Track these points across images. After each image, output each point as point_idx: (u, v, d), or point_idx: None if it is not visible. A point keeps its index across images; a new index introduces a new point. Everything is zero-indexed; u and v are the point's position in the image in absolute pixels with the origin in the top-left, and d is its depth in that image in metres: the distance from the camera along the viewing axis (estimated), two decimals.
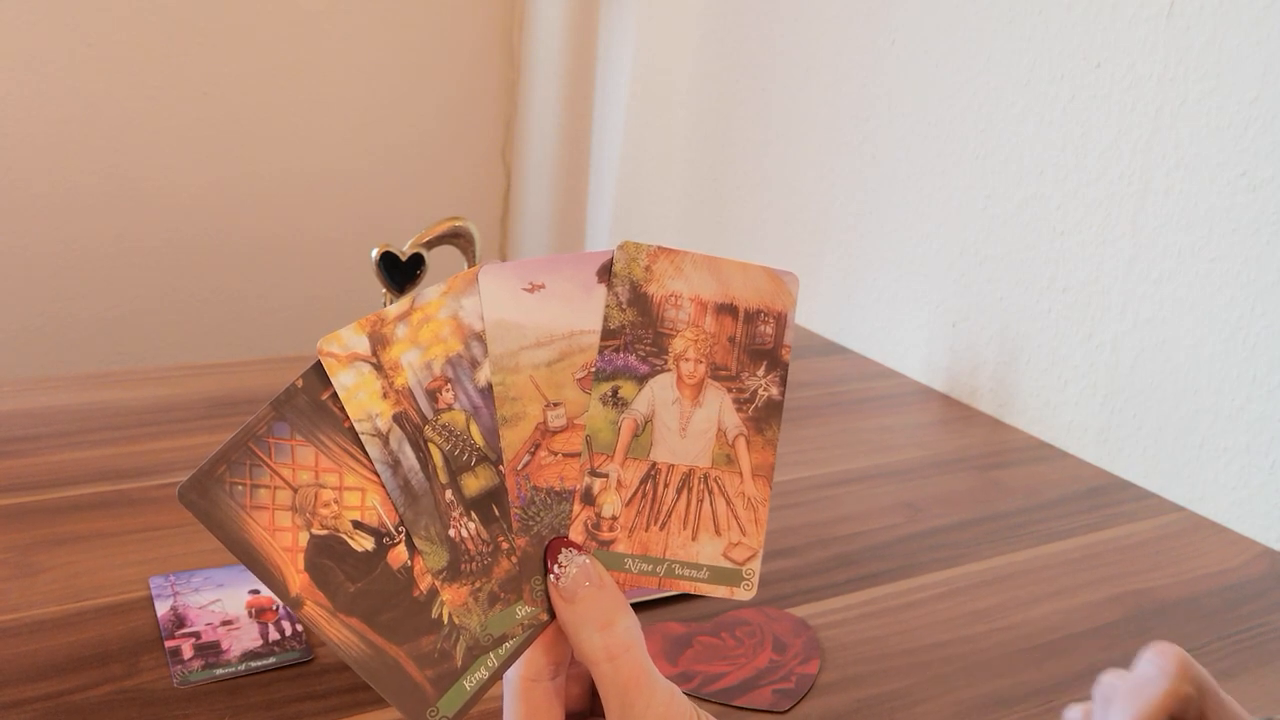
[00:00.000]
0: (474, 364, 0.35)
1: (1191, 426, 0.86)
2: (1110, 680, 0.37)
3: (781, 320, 0.37)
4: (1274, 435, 0.80)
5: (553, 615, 0.35)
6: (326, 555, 0.34)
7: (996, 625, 0.67)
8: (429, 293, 0.35)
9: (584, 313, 0.36)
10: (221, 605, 0.62)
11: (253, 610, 0.62)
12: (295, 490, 0.34)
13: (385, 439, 0.34)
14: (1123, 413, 0.91)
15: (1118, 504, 0.85)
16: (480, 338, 0.35)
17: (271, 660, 0.58)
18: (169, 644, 0.59)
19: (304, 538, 0.34)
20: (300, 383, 0.34)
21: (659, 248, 0.36)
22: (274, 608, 0.62)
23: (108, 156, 1.54)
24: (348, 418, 0.34)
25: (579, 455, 0.36)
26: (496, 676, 0.35)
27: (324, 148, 1.69)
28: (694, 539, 0.37)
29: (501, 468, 0.35)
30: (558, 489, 0.36)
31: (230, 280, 1.67)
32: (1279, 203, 0.78)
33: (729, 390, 0.37)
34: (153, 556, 0.67)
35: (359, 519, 0.34)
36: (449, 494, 0.35)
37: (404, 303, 0.35)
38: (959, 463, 0.91)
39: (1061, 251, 0.95)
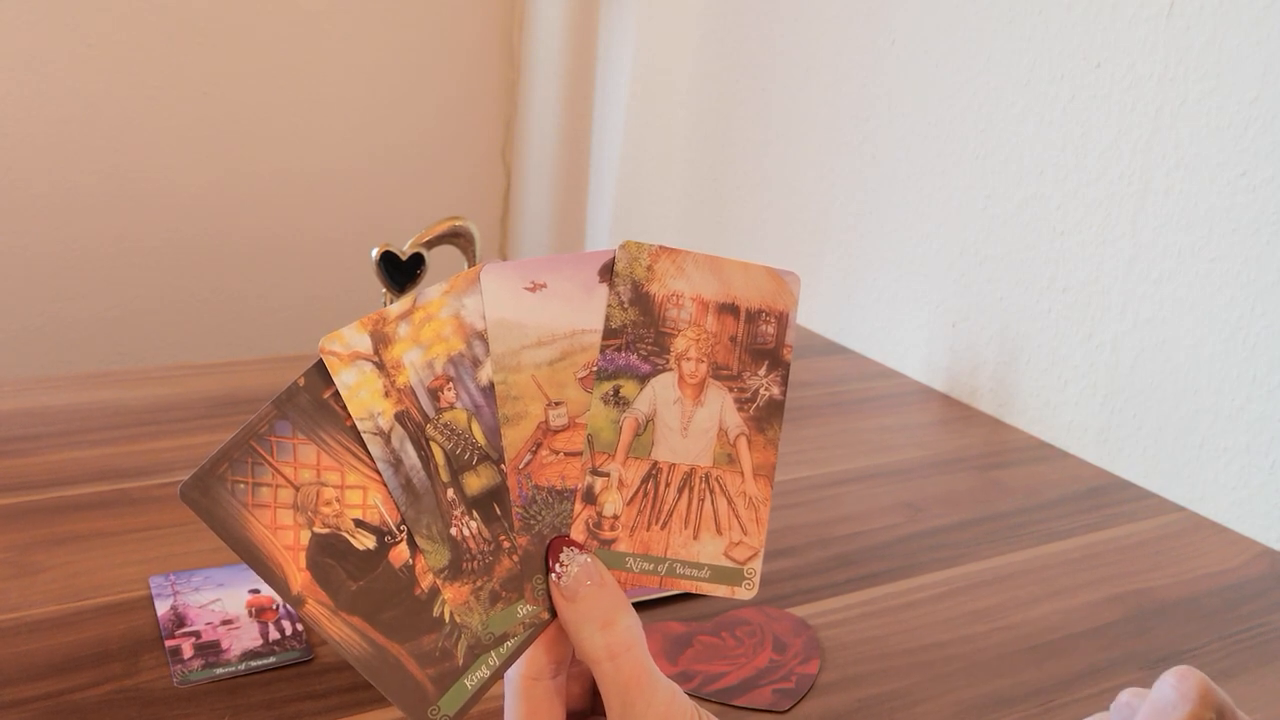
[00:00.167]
0: (476, 363, 0.35)
1: (1191, 426, 0.86)
2: (1129, 700, 0.37)
3: (783, 320, 0.37)
4: (1274, 435, 0.80)
5: (554, 614, 0.35)
6: (328, 554, 0.34)
7: (996, 625, 0.67)
8: (431, 292, 0.35)
9: (586, 312, 0.36)
10: (221, 604, 0.62)
11: (253, 609, 0.62)
12: (297, 489, 0.34)
13: (387, 437, 0.34)
14: (1123, 413, 0.91)
15: (1118, 504, 0.85)
16: (482, 337, 0.35)
17: (272, 660, 0.58)
18: (169, 643, 0.59)
19: (306, 536, 0.34)
20: (302, 381, 0.34)
21: (661, 247, 0.36)
22: (274, 607, 0.62)
23: (108, 156, 1.54)
24: (349, 416, 0.34)
25: (580, 454, 0.36)
26: (498, 675, 0.35)
27: (324, 147, 1.69)
28: (695, 538, 0.37)
29: (503, 466, 0.35)
30: (559, 488, 0.36)
31: (230, 280, 1.67)
32: (1279, 203, 0.78)
33: (730, 390, 0.37)
34: (153, 556, 0.67)
35: (361, 517, 0.34)
36: (450, 493, 0.35)
37: (406, 301, 0.35)
38: (959, 463, 0.91)
39: (1061, 251, 0.95)
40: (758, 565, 0.37)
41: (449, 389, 0.35)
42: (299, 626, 0.60)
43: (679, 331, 0.37)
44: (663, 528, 0.36)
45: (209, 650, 0.58)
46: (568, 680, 0.37)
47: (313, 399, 0.34)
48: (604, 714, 0.34)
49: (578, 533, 0.36)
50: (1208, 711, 0.35)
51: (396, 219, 1.73)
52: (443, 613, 0.35)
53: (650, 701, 0.33)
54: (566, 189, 1.70)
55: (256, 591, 0.63)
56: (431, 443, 0.35)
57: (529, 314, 0.35)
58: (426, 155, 1.77)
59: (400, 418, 0.35)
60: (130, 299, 1.61)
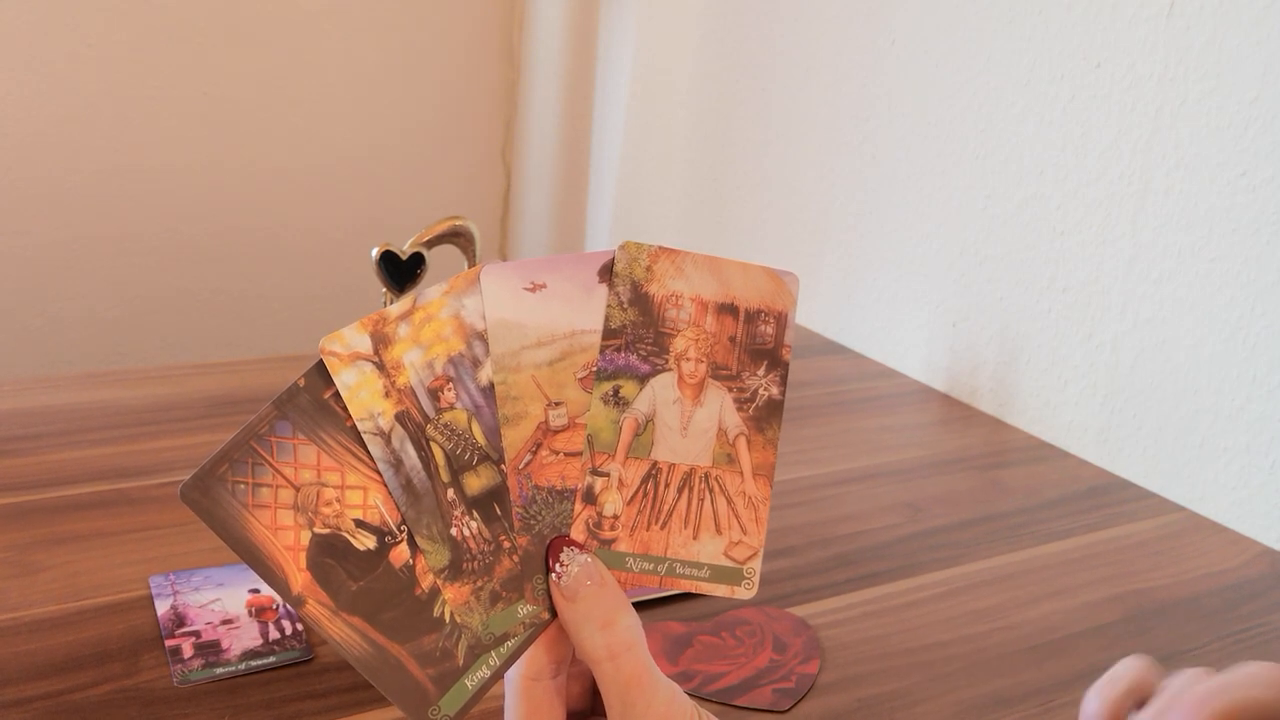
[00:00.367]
0: (476, 363, 0.35)
1: (1191, 426, 0.86)
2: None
3: (782, 320, 0.37)
4: (1274, 435, 0.80)
5: (554, 614, 0.35)
6: (328, 554, 0.34)
7: (997, 625, 0.67)
8: (431, 292, 0.35)
9: (585, 312, 0.36)
10: (221, 604, 0.62)
11: (253, 609, 0.62)
12: (297, 489, 0.34)
13: (387, 438, 0.34)
14: (1123, 413, 0.91)
15: (1118, 504, 0.85)
16: (482, 337, 0.35)
17: (271, 659, 0.58)
18: (169, 643, 0.59)
19: (306, 536, 0.34)
20: (302, 381, 0.34)
21: (660, 248, 0.36)
22: (274, 607, 0.62)
23: (108, 156, 1.54)
24: (350, 417, 0.34)
25: (580, 454, 0.36)
26: (498, 675, 0.35)
27: (324, 147, 1.69)
28: (695, 538, 0.37)
29: (503, 467, 0.35)
30: (559, 488, 0.36)
31: (230, 279, 1.67)
32: (1279, 203, 0.79)
33: (730, 390, 0.37)
34: (153, 556, 0.67)
35: (361, 518, 0.34)
36: (451, 493, 0.35)
37: (406, 302, 0.35)
38: (959, 463, 0.91)
39: (1061, 251, 0.95)
40: (757, 565, 0.37)
41: (449, 389, 0.35)
42: (299, 626, 0.61)
43: (678, 332, 0.37)
44: (662, 528, 0.36)
45: (209, 650, 0.58)
46: (568, 680, 0.37)
47: (313, 399, 0.34)
48: (604, 714, 0.34)
49: (578, 533, 0.36)
50: None
51: (396, 219, 1.73)
52: (443, 613, 0.35)
53: (650, 701, 0.33)
54: (566, 189, 1.70)
55: (256, 591, 0.63)
56: (432, 443, 0.35)
57: (529, 314, 0.35)
58: (427, 155, 1.77)
59: (400, 418, 0.35)
60: (130, 299, 1.61)
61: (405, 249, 0.75)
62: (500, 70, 1.80)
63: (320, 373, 0.34)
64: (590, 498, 0.36)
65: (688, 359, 0.37)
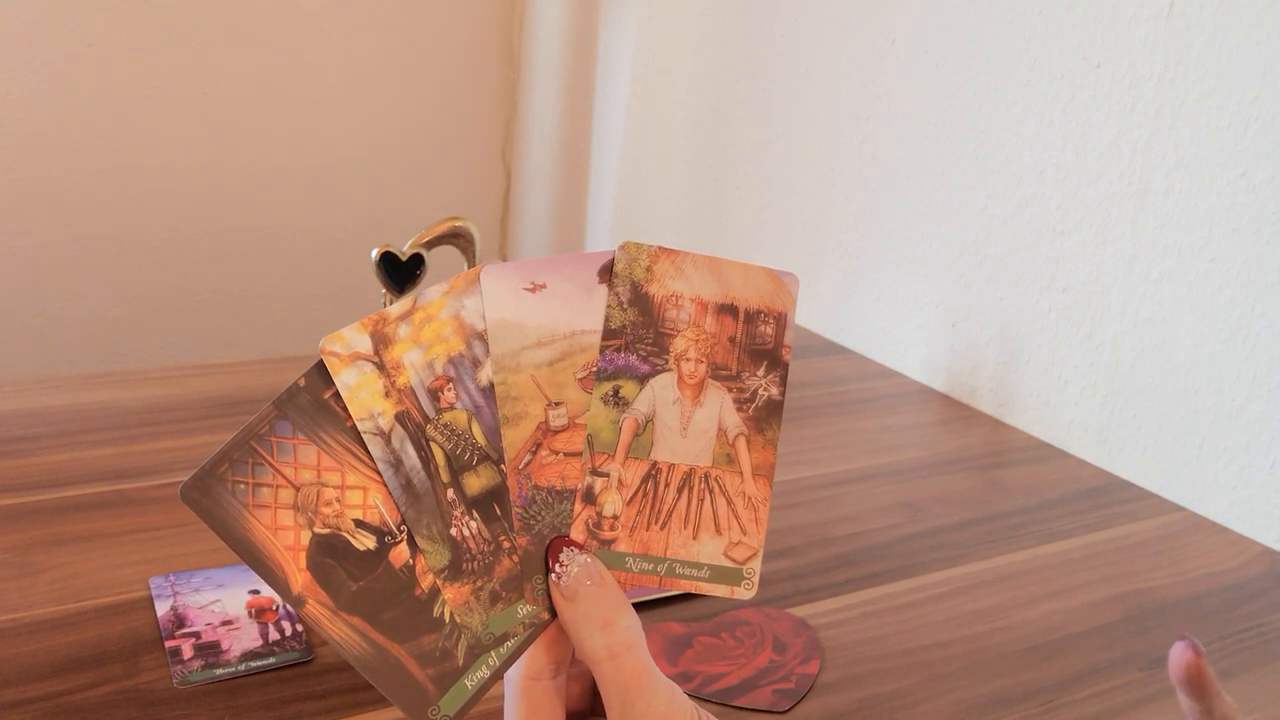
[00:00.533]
0: (476, 363, 0.35)
1: (1191, 426, 0.86)
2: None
3: (782, 320, 0.37)
4: (1274, 435, 0.80)
5: (554, 614, 0.35)
6: (328, 554, 0.34)
7: (996, 625, 0.67)
8: (431, 292, 0.35)
9: (585, 312, 0.36)
10: (221, 605, 0.62)
11: (253, 610, 0.62)
12: (297, 489, 0.34)
13: (387, 438, 0.34)
14: (1123, 413, 0.91)
15: (1118, 504, 0.85)
16: (482, 337, 0.35)
17: (271, 660, 0.58)
18: (169, 644, 0.59)
19: (306, 536, 0.34)
20: (303, 381, 0.34)
21: (660, 248, 0.36)
22: (274, 607, 0.62)
23: (107, 156, 1.54)
24: (350, 417, 0.34)
25: (580, 454, 0.36)
26: (498, 675, 0.35)
27: (324, 147, 1.69)
28: (695, 538, 0.37)
29: (503, 467, 0.35)
30: (559, 488, 0.36)
31: (230, 280, 1.67)
32: (1279, 203, 0.79)
33: (729, 390, 0.37)
34: (153, 556, 0.67)
35: (361, 518, 0.34)
36: (451, 493, 0.35)
37: (406, 302, 0.35)
38: (959, 463, 0.91)
39: (1061, 251, 0.95)
40: (757, 565, 0.37)
41: (449, 389, 0.35)
42: (299, 627, 0.61)
43: (678, 332, 0.37)
44: (662, 528, 0.36)
45: (209, 651, 0.58)
46: (568, 680, 0.37)
47: (313, 399, 0.34)
48: (604, 714, 0.34)
49: (577, 533, 0.36)
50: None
51: (396, 219, 1.73)
52: (443, 613, 0.35)
53: (650, 702, 0.33)
54: (566, 189, 1.70)
55: (256, 592, 0.63)
56: (432, 443, 0.35)
57: (529, 314, 0.35)
58: (427, 155, 1.77)
59: (400, 418, 0.35)
60: (130, 299, 1.61)
61: (405, 250, 0.75)
62: (500, 70, 1.80)
63: (320, 373, 0.34)
64: (590, 498, 0.36)
65: (687, 359, 0.37)
